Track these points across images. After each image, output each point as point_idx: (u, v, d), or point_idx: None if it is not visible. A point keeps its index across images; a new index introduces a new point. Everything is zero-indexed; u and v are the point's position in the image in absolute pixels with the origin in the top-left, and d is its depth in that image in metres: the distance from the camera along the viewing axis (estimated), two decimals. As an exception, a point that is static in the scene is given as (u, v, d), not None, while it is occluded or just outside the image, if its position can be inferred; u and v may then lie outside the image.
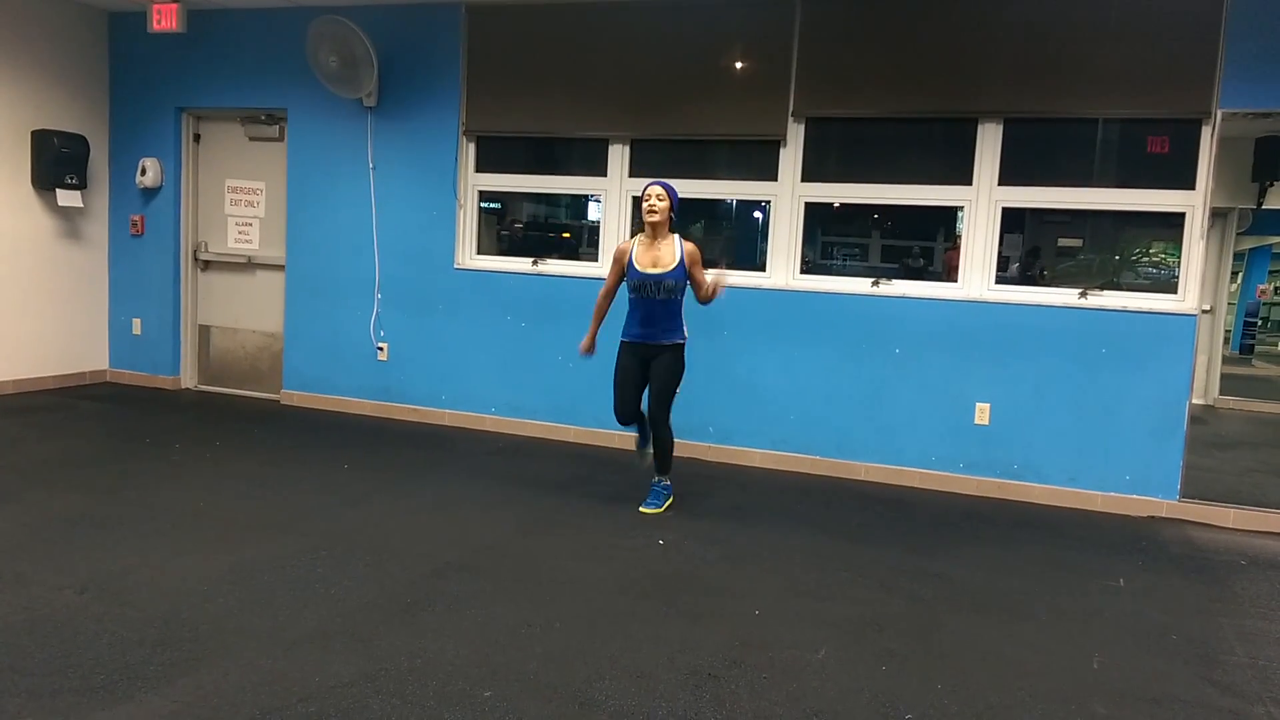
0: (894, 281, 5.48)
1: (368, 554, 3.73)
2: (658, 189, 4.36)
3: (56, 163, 6.53)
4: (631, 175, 5.92)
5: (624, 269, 4.42)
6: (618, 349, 4.51)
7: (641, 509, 4.53)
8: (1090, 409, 5.08)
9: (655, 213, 4.32)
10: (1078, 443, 5.11)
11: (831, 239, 5.93)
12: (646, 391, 4.49)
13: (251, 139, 6.88)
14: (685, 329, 4.46)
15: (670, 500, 4.63)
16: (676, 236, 4.39)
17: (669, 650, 3.00)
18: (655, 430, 4.50)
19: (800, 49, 5.49)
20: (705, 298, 4.40)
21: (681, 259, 4.32)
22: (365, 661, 2.80)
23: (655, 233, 4.36)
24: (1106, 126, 5.14)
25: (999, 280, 5.32)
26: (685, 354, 4.48)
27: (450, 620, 3.14)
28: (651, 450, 4.61)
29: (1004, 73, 5.15)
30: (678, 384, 4.47)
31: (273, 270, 6.89)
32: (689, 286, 4.40)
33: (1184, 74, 4.86)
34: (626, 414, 4.53)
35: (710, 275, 4.41)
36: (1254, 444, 6.95)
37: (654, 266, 4.32)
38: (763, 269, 5.73)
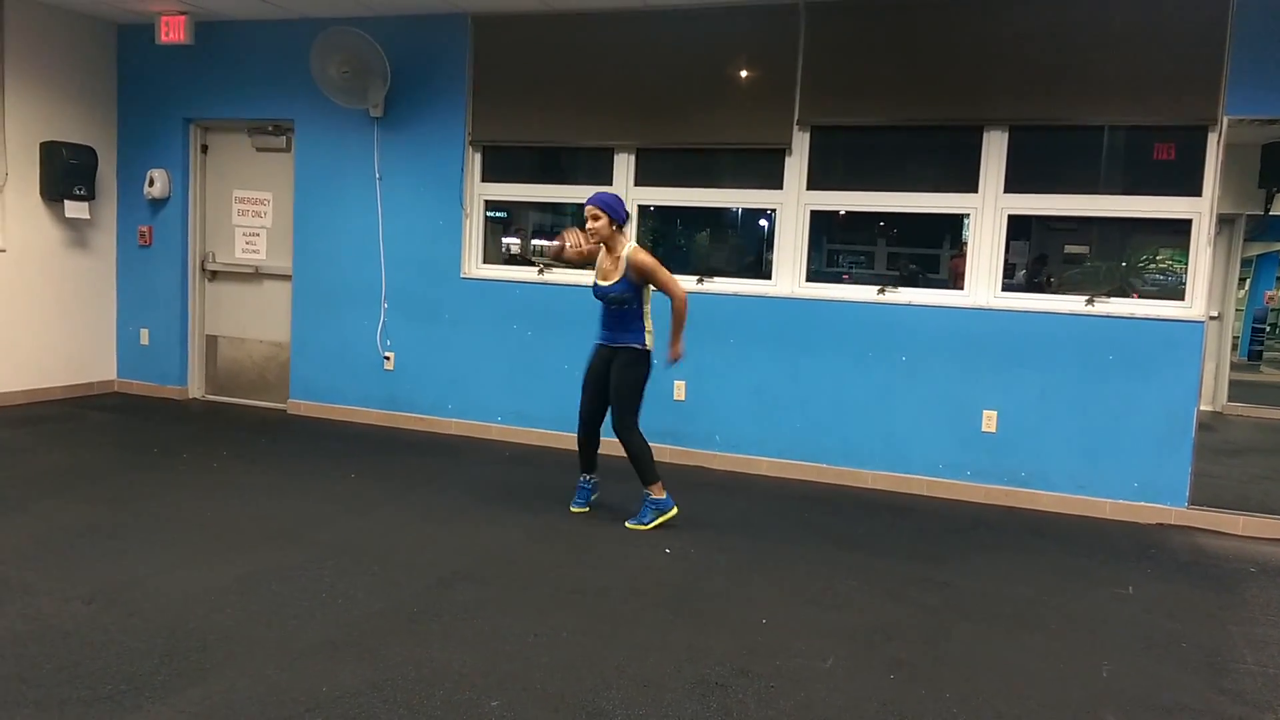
0: (900, 289, 5.48)
1: (375, 563, 3.74)
2: (591, 207, 4.31)
3: (65, 174, 6.56)
4: (637, 184, 5.93)
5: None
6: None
7: (628, 524, 4.43)
8: (1098, 416, 5.07)
9: (594, 232, 4.33)
10: (1086, 450, 5.10)
11: (837, 247, 5.92)
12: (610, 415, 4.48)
13: (258, 150, 6.91)
14: (648, 336, 4.39)
15: (667, 514, 4.43)
16: (629, 248, 4.32)
17: (676, 659, 2.99)
18: (622, 440, 4.41)
19: (805, 57, 5.50)
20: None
21: (626, 273, 4.29)
22: (372, 671, 2.80)
23: (607, 246, 4.38)
24: (1112, 134, 5.14)
25: (1005, 288, 5.31)
26: (647, 361, 4.39)
27: (457, 629, 3.14)
28: (577, 506, 4.64)
29: (1009, 80, 5.15)
30: (635, 391, 4.39)
31: (280, 280, 6.91)
32: (656, 292, 4.37)
33: (1190, 81, 4.86)
34: (582, 416, 4.54)
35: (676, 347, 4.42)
36: (1263, 451, 6.91)
37: (604, 280, 4.37)
38: (768, 277, 5.73)
